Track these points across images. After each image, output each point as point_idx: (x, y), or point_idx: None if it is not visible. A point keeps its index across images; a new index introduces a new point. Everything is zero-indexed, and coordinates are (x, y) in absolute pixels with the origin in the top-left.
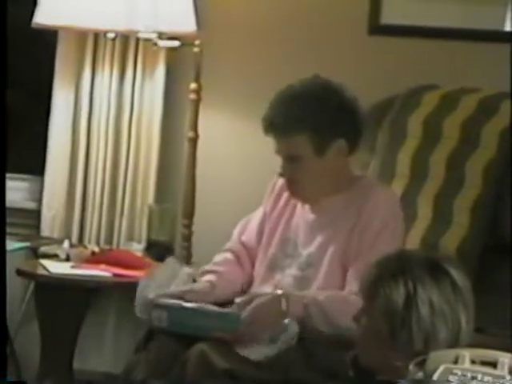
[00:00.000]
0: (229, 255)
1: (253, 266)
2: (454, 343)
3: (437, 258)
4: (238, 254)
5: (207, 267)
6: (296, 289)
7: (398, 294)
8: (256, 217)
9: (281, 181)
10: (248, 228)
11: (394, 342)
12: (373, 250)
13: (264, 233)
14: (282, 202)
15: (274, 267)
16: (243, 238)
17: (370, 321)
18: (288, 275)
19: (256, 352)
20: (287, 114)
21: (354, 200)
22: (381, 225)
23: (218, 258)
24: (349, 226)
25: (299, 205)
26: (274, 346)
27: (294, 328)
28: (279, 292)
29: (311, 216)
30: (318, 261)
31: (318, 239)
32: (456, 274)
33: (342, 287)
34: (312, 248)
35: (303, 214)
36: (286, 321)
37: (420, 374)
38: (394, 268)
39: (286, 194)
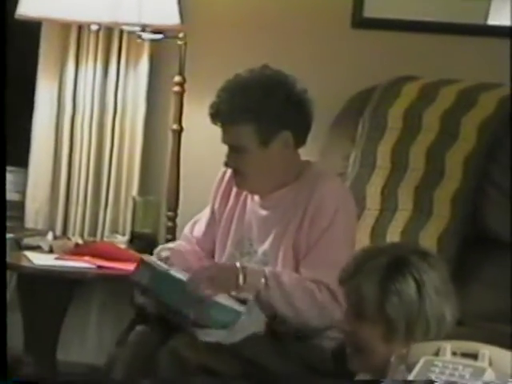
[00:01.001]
0: (180, 245)
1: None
2: (455, 321)
3: (418, 245)
4: (188, 246)
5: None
6: None
7: (409, 287)
8: (204, 216)
9: (228, 175)
10: (196, 227)
11: (410, 335)
12: (325, 240)
13: (215, 233)
14: (231, 199)
15: None
16: (194, 234)
17: (378, 322)
18: None
19: (214, 335)
20: (232, 103)
21: (301, 191)
22: (331, 214)
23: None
24: (298, 219)
25: (249, 199)
26: (231, 330)
27: (256, 313)
28: (237, 264)
29: (263, 212)
30: (272, 258)
31: (271, 236)
32: (436, 255)
33: None
34: (266, 245)
35: (254, 209)
36: (246, 305)
37: (402, 367)
38: (392, 263)
39: (235, 189)
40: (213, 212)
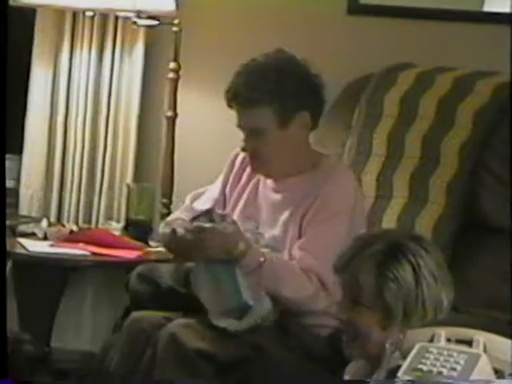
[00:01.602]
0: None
1: None
2: (451, 306)
3: (412, 230)
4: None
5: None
6: None
7: (406, 272)
8: (209, 192)
9: (241, 156)
10: (199, 201)
11: (407, 321)
12: (326, 230)
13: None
14: (243, 180)
15: None
16: (195, 205)
17: (376, 309)
18: None
19: (227, 323)
20: (251, 86)
21: (314, 181)
22: (338, 207)
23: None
24: (305, 207)
25: (262, 183)
26: (244, 320)
27: (267, 304)
28: (247, 234)
29: (275, 196)
30: (281, 244)
31: (280, 221)
32: (431, 240)
33: None
34: (275, 230)
35: (266, 193)
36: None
37: (397, 354)
38: (388, 249)
39: (248, 170)
40: (223, 194)
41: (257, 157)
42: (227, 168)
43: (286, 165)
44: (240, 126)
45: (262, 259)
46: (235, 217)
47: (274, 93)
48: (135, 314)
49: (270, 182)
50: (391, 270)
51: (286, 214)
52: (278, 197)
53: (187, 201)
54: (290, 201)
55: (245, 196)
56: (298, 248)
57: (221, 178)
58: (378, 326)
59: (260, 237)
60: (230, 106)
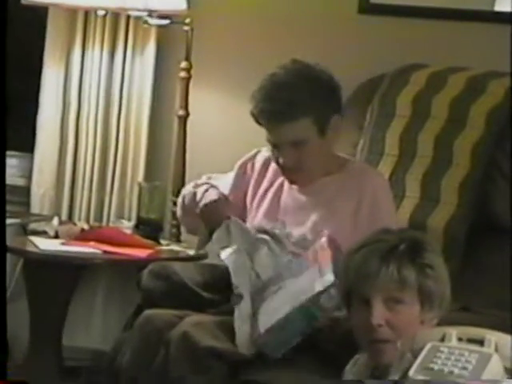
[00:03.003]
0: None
1: None
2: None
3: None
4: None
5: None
6: None
7: (435, 257)
8: (225, 185)
9: (260, 157)
10: (220, 183)
11: (439, 309)
12: None
13: (239, 208)
14: (266, 180)
15: None
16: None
17: (416, 302)
18: None
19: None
20: (288, 100)
21: (349, 183)
22: (387, 209)
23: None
24: (348, 209)
25: (286, 184)
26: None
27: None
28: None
29: (302, 197)
30: (310, 243)
31: (311, 220)
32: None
33: None
34: (304, 230)
35: (292, 194)
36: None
37: (408, 355)
38: (411, 243)
39: (271, 170)
40: (246, 184)
41: (298, 169)
42: (249, 165)
43: (320, 171)
44: (275, 141)
45: None
46: (259, 217)
47: (309, 102)
48: (147, 313)
49: None
50: (424, 259)
51: (315, 215)
52: (305, 198)
53: (203, 180)
54: (320, 202)
55: (269, 196)
56: None
57: (238, 170)
58: (418, 319)
59: (289, 235)
60: (264, 123)
